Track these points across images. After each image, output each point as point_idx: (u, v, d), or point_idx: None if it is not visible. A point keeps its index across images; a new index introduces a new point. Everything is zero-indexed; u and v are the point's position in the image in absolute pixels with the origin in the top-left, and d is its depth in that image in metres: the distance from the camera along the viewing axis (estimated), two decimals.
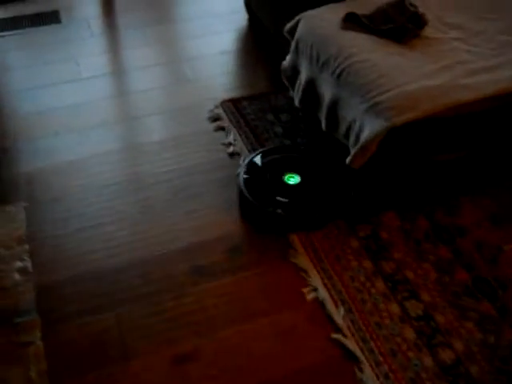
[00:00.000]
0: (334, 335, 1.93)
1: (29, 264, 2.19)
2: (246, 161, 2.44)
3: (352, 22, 2.30)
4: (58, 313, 2.01)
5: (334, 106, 2.20)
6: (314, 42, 2.29)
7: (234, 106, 2.89)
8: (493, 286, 2.08)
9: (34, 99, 2.94)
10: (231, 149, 2.64)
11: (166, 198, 2.41)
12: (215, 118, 2.81)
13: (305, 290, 2.09)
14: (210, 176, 2.52)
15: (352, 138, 2.08)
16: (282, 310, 2.03)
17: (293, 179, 2.35)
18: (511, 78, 2.02)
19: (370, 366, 1.85)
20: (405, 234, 2.28)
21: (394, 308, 2.01)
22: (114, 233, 2.28)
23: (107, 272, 2.14)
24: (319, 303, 2.05)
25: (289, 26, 2.49)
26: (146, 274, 2.13)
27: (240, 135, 2.71)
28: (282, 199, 2.27)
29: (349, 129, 2.11)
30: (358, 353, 1.88)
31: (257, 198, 2.27)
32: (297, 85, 2.48)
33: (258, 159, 2.42)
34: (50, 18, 3.51)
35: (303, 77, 2.40)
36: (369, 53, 2.14)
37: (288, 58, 2.54)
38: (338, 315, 1.97)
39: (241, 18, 3.56)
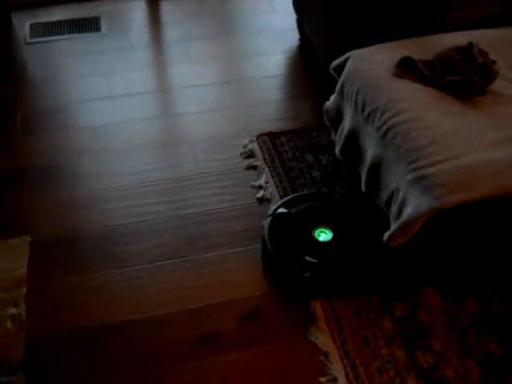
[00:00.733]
0: None
1: (23, 311, 1.97)
2: (274, 208, 2.15)
3: (407, 67, 1.97)
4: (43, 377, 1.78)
5: (377, 167, 1.88)
6: (360, 87, 1.98)
7: (270, 141, 2.61)
8: None
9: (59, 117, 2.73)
10: (261, 193, 2.36)
11: (178, 248, 2.16)
12: (248, 155, 2.53)
13: (323, 380, 1.79)
14: (234, 224, 2.25)
15: (393, 210, 1.77)
16: None
17: (324, 235, 2.05)
18: None
19: None
20: (448, 318, 1.95)
21: None
22: (113, 284, 2.03)
23: (99, 329, 1.90)
24: None
25: (336, 63, 2.18)
26: (143, 340, 1.87)
27: (273, 177, 2.43)
28: (311, 259, 1.97)
29: (390, 198, 1.80)
30: None
31: (282, 254, 1.98)
32: (339, 130, 2.18)
33: (287, 207, 2.12)
34: (90, 24, 3.29)
35: (346, 125, 2.09)
36: (423, 110, 1.81)
37: (332, 98, 2.23)
38: None
39: (293, 36, 3.25)
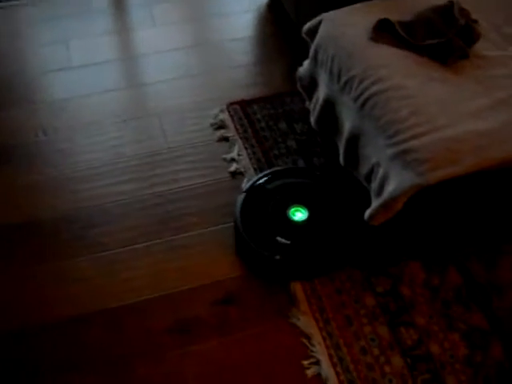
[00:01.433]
0: None
1: None
2: (247, 186, 2.05)
3: (385, 30, 1.84)
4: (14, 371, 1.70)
5: (355, 140, 1.78)
6: (335, 54, 1.86)
7: (242, 110, 2.48)
8: None
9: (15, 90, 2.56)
10: (234, 167, 2.25)
11: (151, 229, 2.05)
12: (219, 126, 2.41)
13: (305, 363, 1.73)
14: (207, 201, 2.15)
15: (374, 186, 1.68)
16: None
17: (299, 214, 1.96)
18: None
19: None
20: (431, 292, 1.90)
21: None
22: (84, 271, 1.92)
23: (71, 321, 1.81)
24: (321, 382, 1.69)
25: (308, 26, 2.05)
26: (116, 329, 1.79)
27: (246, 149, 2.31)
28: (282, 240, 1.88)
29: (371, 173, 1.71)
30: None
31: (255, 236, 1.89)
32: (314, 99, 2.06)
33: (261, 184, 2.02)
34: None
35: (321, 93, 1.97)
36: (403, 78, 1.70)
37: (306, 64, 2.10)
38: None
39: None
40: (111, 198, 2.15)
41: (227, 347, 1.77)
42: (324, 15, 1.95)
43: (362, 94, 1.72)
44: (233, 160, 2.28)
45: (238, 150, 2.30)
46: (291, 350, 1.76)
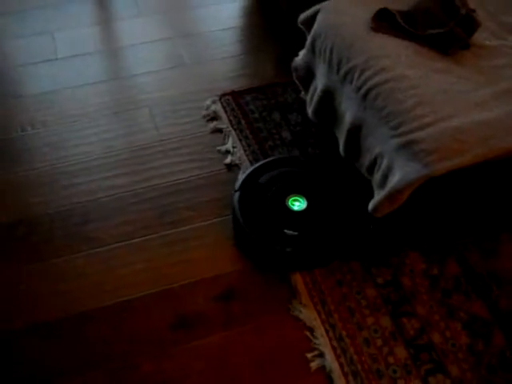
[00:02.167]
0: None
1: None
2: (243, 177, 2.02)
3: (385, 20, 1.83)
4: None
5: (357, 131, 1.77)
6: (334, 44, 1.84)
7: (234, 101, 2.45)
8: None
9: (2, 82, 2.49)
10: (229, 159, 2.23)
11: (147, 223, 2.02)
12: (212, 117, 2.38)
13: (309, 356, 1.72)
14: (203, 194, 2.12)
15: (377, 177, 1.67)
16: (281, 382, 1.67)
17: (298, 204, 1.94)
18: None
19: None
20: (431, 282, 1.90)
21: None
22: (81, 268, 1.89)
23: (71, 319, 1.77)
24: (325, 374, 1.68)
25: (304, 16, 2.03)
26: (117, 327, 1.76)
27: (240, 140, 2.29)
28: (290, 232, 1.87)
29: (373, 164, 1.70)
30: None
31: (256, 228, 1.87)
32: (311, 90, 2.04)
33: (257, 174, 2.00)
34: None
35: (319, 84, 1.95)
36: (406, 68, 1.69)
37: (302, 54, 2.08)
38: None
39: None
40: (105, 193, 2.11)
41: (230, 342, 1.75)
42: (322, 4, 1.93)
43: (364, 84, 1.71)
44: (228, 152, 2.25)
45: (232, 142, 2.28)
46: (294, 343, 1.76)
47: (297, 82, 2.15)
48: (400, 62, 1.71)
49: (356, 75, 1.74)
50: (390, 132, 1.61)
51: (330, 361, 1.72)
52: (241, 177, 2.02)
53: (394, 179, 1.56)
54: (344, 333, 1.78)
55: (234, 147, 2.26)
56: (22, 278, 1.87)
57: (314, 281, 1.89)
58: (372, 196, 1.72)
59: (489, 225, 1.96)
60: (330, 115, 1.94)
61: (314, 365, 1.72)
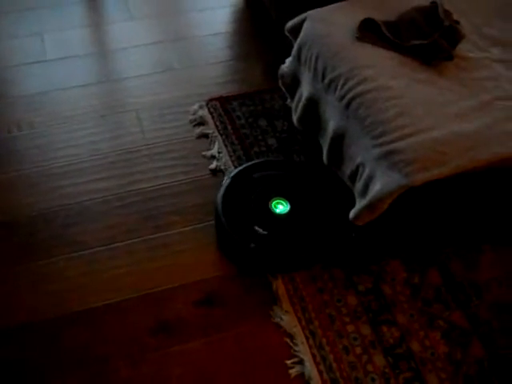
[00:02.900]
0: None
1: None
2: (235, 171, 2.03)
3: (370, 30, 1.85)
4: None
5: (339, 140, 1.79)
6: (320, 53, 1.85)
7: (221, 106, 2.46)
8: None
9: None
10: (214, 164, 2.24)
11: (132, 227, 2.02)
12: (199, 122, 2.39)
13: (289, 362, 1.73)
14: (188, 199, 2.13)
15: (359, 186, 1.68)
16: None
17: (281, 207, 1.95)
18: None
19: None
20: (412, 291, 1.92)
21: None
22: (64, 271, 1.89)
23: (51, 321, 1.77)
24: (305, 381, 1.70)
25: (291, 24, 2.04)
26: (98, 330, 1.76)
27: (226, 146, 2.30)
28: (260, 230, 1.88)
29: (355, 172, 1.71)
30: None
31: (234, 224, 1.88)
32: (296, 98, 2.06)
33: (243, 176, 2.01)
34: None
35: (304, 92, 1.97)
36: (389, 78, 1.70)
37: (288, 62, 2.10)
38: None
39: None
40: (90, 196, 2.11)
41: (210, 347, 1.76)
42: (308, 13, 1.94)
43: (347, 93, 1.73)
44: (213, 157, 2.26)
45: (218, 147, 2.29)
46: (274, 350, 1.77)
47: (283, 90, 2.17)
48: (383, 73, 1.72)
49: (340, 84, 1.75)
50: (371, 141, 1.63)
51: (310, 368, 1.73)
52: (230, 173, 2.03)
53: (375, 188, 1.58)
54: (324, 340, 1.79)
55: (219, 153, 2.27)
56: (5, 280, 1.86)
57: (296, 287, 1.90)
58: (354, 204, 1.73)
59: (470, 235, 1.98)
60: (314, 123, 1.95)
61: (293, 372, 1.73)
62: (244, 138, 2.34)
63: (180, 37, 2.84)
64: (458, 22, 1.86)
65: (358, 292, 1.91)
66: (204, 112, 2.42)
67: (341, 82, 1.76)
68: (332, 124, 1.81)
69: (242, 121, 2.41)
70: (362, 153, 1.67)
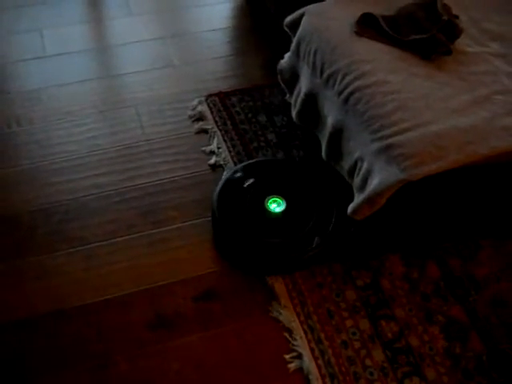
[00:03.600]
0: None
1: None
2: (224, 178, 2.03)
3: (368, 25, 1.84)
4: None
5: (338, 134, 1.78)
6: (318, 47, 1.85)
7: (220, 102, 2.46)
8: None
9: None
10: (213, 159, 2.23)
11: (131, 222, 2.02)
12: (198, 118, 2.38)
13: (287, 357, 1.74)
14: (187, 194, 2.13)
15: (357, 180, 1.68)
16: (259, 383, 1.68)
17: (277, 205, 1.95)
18: None
19: None
20: (410, 285, 1.92)
21: None
22: (63, 266, 1.89)
23: (49, 316, 1.78)
24: (303, 376, 1.70)
25: (290, 19, 2.04)
26: (97, 325, 1.77)
27: (225, 141, 2.29)
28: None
29: (354, 167, 1.71)
30: None
31: (233, 228, 1.88)
32: (295, 92, 2.06)
33: (239, 175, 2.00)
34: None
35: (303, 87, 1.97)
36: (387, 73, 1.70)
37: (287, 57, 2.09)
38: None
39: None
40: (89, 191, 2.11)
41: (208, 342, 1.76)
42: (307, 8, 1.94)
43: (345, 88, 1.72)
44: (212, 153, 2.26)
45: (217, 143, 2.29)
46: (273, 345, 1.77)
47: (282, 85, 2.17)
48: (382, 67, 1.72)
49: (338, 79, 1.75)
50: (370, 136, 1.63)
51: (308, 362, 1.73)
52: (227, 173, 2.03)
53: (374, 183, 1.58)
54: (322, 335, 1.79)
55: (218, 148, 2.27)
56: (3, 275, 1.87)
57: (295, 282, 1.90)
58: (352, 199, 1.73)
59: (469, 229, 1.98)
60: (313, 118, 1.95)
61: (292, 366, 1.73)
62: (243, 133, 2.33)
63: (179, 32, 2.83)
64: (456, 17, 1.86)
65: (357, 287, 1.91)
66: (203, 107, 2.42)
67: (339, 76, 1.75)
68: (331, 119, 1.80)
69: (242, 116, 2.41)
70: (360, 147, 1.67)
